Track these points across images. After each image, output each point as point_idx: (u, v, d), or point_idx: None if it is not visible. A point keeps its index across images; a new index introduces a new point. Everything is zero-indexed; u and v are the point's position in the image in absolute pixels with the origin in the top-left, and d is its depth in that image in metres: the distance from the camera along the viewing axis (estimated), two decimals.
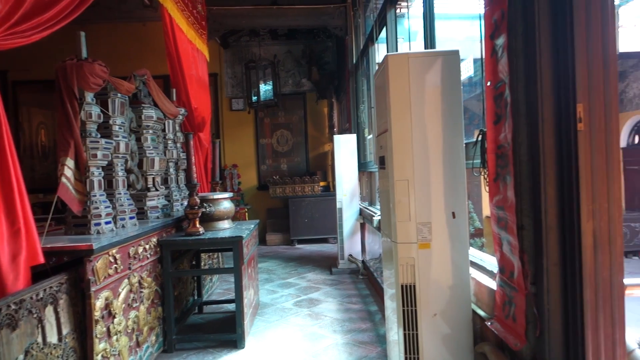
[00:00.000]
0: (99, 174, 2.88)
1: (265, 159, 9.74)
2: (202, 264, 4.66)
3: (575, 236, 1.45)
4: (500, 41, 1.74)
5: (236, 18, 7.33)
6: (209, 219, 3.80)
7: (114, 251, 2.64)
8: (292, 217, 8.51)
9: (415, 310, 2.25)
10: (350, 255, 6.14)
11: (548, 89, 1.53)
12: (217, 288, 5.40)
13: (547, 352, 1.58)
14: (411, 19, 4.44)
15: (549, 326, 1.57)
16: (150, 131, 3.75)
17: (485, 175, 2.01)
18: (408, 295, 2.26)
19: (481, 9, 1.97)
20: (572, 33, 1.42)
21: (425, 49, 3.20)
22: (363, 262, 6.09)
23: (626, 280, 1.64)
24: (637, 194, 9.76)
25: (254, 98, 8.85)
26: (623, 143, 10.18)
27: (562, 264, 1.53)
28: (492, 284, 2.13)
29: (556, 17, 1.50)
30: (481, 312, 2.23)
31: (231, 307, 4.35)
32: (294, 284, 5.54)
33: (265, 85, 8.79)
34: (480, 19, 2.18)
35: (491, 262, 2.36)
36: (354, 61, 7.15)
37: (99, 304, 2.44)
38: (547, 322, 1.57)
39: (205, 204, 3.74)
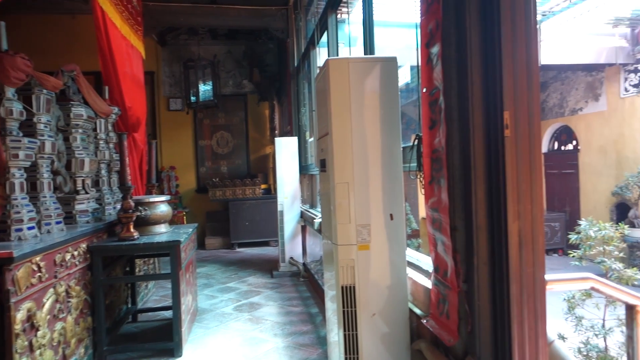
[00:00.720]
0: (21, 175, 2.67)
1: (204, 161, 9.50)
2: (137, 270, 4.46)
3: (502, 236, 1.54)
4: (435, 50, 1.81)
5: (174, 15, 7.10)
6: (144, 223, 3.65)
7: (37, 259, 2.46)
8: (233, 220, 8.37)
9: (355, 310, 2.28)
10: (292, 258, 6.13)
11: (478, 97, 1.61)
12: (153, 295, 5.19)
13: (477, 346, 1.66)
14: (352, 25, 4.53)
15: (479, 321, 1.65)
16: (80, 130, 3.54)
17: (421, 179, 2.09)
18: (348, 296, 2.29)
19: (418, 18, 2.05)
20: (499, 46, 1.51)
21: (364, 54, 3.27)
22: (304, 264, 6.11)
23: (547, 276, 1.76)
24: (556, 196, 10.56)
25: (193, 98, 8.62)
26: (544, 149, 10.97)
27: (491, 262, 1.62)
28: (428, 283, 2.21)
29: (486, 30, 1.58)
30: (417, 311, 2.31)
31: (168, 314, 4.19)
32: (234, 288, 5.45)
33: (204, 85, 8.58)
34: (416, 28, 2.27)
35: (427, 262, 2.45)
36: (296, 64, 7.17)
37: (19, 316, 2.26)
38: (477, 318, 1.65)
39: (140, 208, 3.59)
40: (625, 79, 8.45)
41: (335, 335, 2.49)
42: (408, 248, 3.06)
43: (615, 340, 3.17)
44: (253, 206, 8.50)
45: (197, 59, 8.60)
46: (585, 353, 3.20)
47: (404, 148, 2.43)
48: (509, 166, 1.50)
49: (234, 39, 9.23)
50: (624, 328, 2.25)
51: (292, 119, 7.35)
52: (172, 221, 4.35)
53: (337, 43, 4.61)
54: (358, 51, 4.11)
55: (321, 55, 5.63)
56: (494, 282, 1.63)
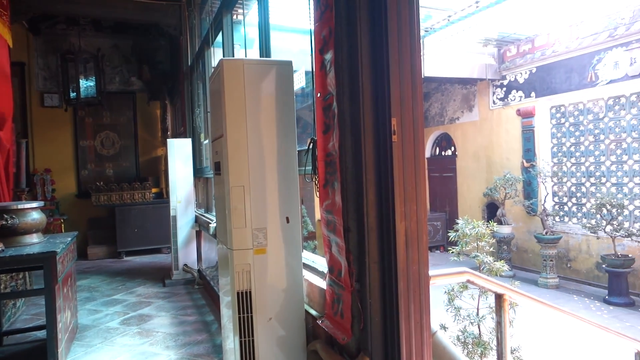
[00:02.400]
0: None
1: (87, 163, 8.72)
2: (2, 287, 3.92)
3: (391, 236, 1.62)
4: (329, 56, 1.86)
5: (49, 1, 6.42)
6: (11, 233, 3.22)
7: None
8: (120, 227, 7.78)
9: (252, 316, 2.25)
10: (186, 264, 5.88)
11: (369, 104, 1.69)
12: (23, 314, 4.61)
13: (369, 342, 1.73)
14: (248, 27, 4.48)
15: (371, 318, 1.72)
16: None
17: (316, 182, 2.13)
18: (244, 301, 2.25)
19: (312, 25, 2.09)
20: (387, 57, 1.60)
21: (260, 57, 3.26)
22: (199, 271, 5.89)
23: (430, 272, 1.90)
24: (438, 197, 11.52)
25: (73, 94, 7.83)
26: (427, 154, 11.92)
27: (381, 261, 1.70)
28: (323, 284, 2.26)
29: (375, 41, 1.67)
30: (313, 312, 2.34)
31: (42, 334, 3.75)
32: (121, 300, 5.06)
33: (86, 80, 7.86)
34: (311, 34, 2.31)
35: (322, 263, 2.50)
36: (189, 63, 6.91)
37: None
38: (369, 315, 1.72)
39: (5, 216, 3.16)
40: (494, 93, 9.52)
41: (231, 343, 2.43)
42: (304, 250, 3.10)
43: (488, 326, 3.54)
44: (143, 211, 7.99)
45: (78, 52, 7.85)
46: (463, 340, 3.52)
47: (299, 151, 2.46)
48: (396, 170, 1.59)
49: (122, 32, 8.62)
50: (494, 315, 2.52)
51: (186, 120, 7.05)
52: (47, 230, 3.91)
53: (232, 44, 4.53)
54: (254, 54, 4.09)
55: (216, 56, 5.49)
56: (384, 280, 1.72)
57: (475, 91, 9.99)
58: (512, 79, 9.06)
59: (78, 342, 3.78)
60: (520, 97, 8.89)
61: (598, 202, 6.95)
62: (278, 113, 2.32)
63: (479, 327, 3.51)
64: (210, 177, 5.72)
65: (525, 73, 8.76)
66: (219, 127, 2.40)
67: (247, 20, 4.78)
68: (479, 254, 3.63)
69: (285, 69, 2.35)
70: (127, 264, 7.37)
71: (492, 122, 9.59)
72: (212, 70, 2.55)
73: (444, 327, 3.51)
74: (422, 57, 8.31)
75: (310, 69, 2.42)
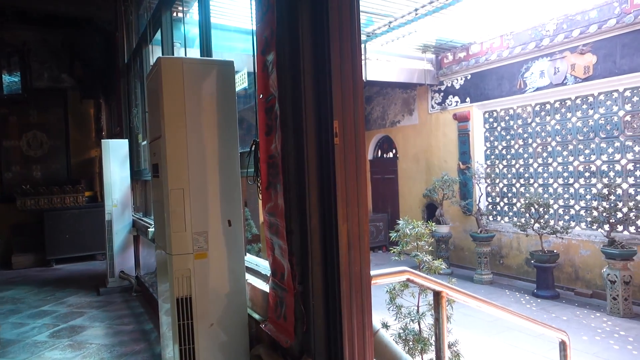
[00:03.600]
0: None
1: (11, 165, 8.09)
2: None
3: (333, 237, 1.63)
4: (271, 58, 1.85)
5: None
6: None
7: None
8: (49, 233, 7.30)
9: (192, 322, 2.18)
10: (122, 271, 5.61)
11: (311, 106, 1.69)
12: None
13: (312, 344, 1.73)
14: (189, 25, 4.37)
15: (314, 320, 1.72)
16: None
17: (259, 184, 2.10)
18: (184, 308, 2.18)
19: (254, 25, 2.07)
20: (329, 60, 1.61)
21: (201, 56, 3.18)
22: (137, 277, 5.64)
23: (372, 272, 1.94)
24: (380, 198, 11.80)
25: None
26: (370, 156, 12.18)
27: (324, 263, 1.71)
28: (267, 288, 2.24)
29: (317, 44, 1.67)
30: (256, 316, 2.31)
31: None
32: (50, 311, 4.74)
33: (10, 76, 7.31)
34: (253, 35, 2.29)
35: (266, 267, 2.47)
36: (126, 60, 6.62)
37: None
38: (312, 317, 1.73)
39: None
40: (432, 98, 9.90)
41: (171, 351, 2.34)
42: (248, 253, 3.06)
43: (428, 323, 3.66)
44: (75, 216, 7.54)
45: (0, 44, 7.27)
46: (404, 337, 3.61)
47: (242, 153, 2.43)
48: (338, 172, 1.60)
49: (51, 25, 8.09)
50: (433, 312, 2.61)
51: (123, 120, 6.75)
52: None
53: (172, 42, 4.39)
54: (195, 53, 3.99)
55: (155, 54, 5.30)
56: (327, 281, 1.72)
57: (415, 96, 10.34)
58: (449, 85, 9.46)
59: (1, 358, 3.49)
60: (457, 102, 9.30)
61: (527, 201, 7.41)
62: (219, 114, 2.27)
63: (419, 324, 3.62)
64: (149, 179, 5.50)
65: (461, 79, 9.18)
66: (157, 128, 2.31)
67: (188, 19, 4.66)
68: (418, 253, 3.75)
69: (226, 69, 2.31)
70: (58, 272, 6.92)
71: (430, 125, 9.96)
72: (150, 68, 2.45)
73: (386, 326, 3.59)
74: (364, 61, 8.48)
75: (252, 70, 2.39)
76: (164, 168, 2.20)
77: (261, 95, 1.98)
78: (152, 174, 2.55)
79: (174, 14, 4.62)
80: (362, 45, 8.39)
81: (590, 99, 7.23)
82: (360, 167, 1.68)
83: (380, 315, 3.73)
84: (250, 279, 2.49)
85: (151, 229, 4.39)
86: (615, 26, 6.60)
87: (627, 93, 6.76)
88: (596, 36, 6.86)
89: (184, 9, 4.59)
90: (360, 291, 1.70)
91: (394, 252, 3.91)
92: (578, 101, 7.42)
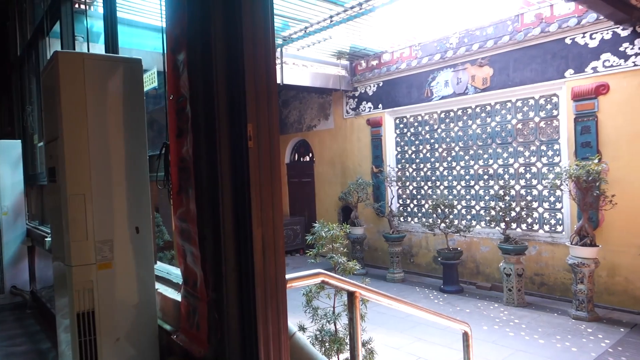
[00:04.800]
0: None
1: None
2: None
3: (248, 242, 1.61)
4: (182, 57, 1.78)
5: None
6: None
7: None
8: None
9: (95, 338, 2.03)
10: (15, 286, 5.07)
11: (224, 108, 1.65)
12: None
13: (227, 352, 1.69)
14: (94, 19, 4.08)
15: (228, 327, 1.68)
16: None
17: (170, 188, 2.01)
18: (86, 323, 2.01)
19: (164, 23, 1.98)
20: (243, 60, 1.59)
21: (106, 52, 2.98)
22: (32, 292, 5.13)
23: (287, 276, 1.94)
24: (297, 202, 11.89)
25: None
26: (287, 159, 12.22)
27: (238, 269, 1.68)
28: (179, 297, 2.14)
29: (230, 46, 1.64)
30: (168, 327, 2.21)
31: None
32: None
33: None
34: (163, 33, 2.19)
35: (178, 275, 2.37)
36: (19, 53, 6.01)
37: None
38: (226, 324, 1.68)
39: None
40: (347, 103, 10.19)
41: None
42: (159, 262, 2.91)
43: (343, 323, 3.74)
44: None
45: None
46: (320, 339, 3.66)
47: (151, 156, 2.31)
48: (253, 176, 1.58)
49: None
50: (347, 312, 2.67)
51: (15, 119, 6.11)
52: None
53: (73, 36, 4.06)
54: (101, 49, 3.72)
55: (53, 47, 4.87)
56: (241, 287, 1.69)
57: (330, 101, 10.57)
58: (363, 91, 9.81)
59: None
60: (370, 108, 9.66)
61: (434, 203, 7.90)
62: (127, 114, 2.14)
63: (335, 325, 3.69)
64: (45, 184, 5.03)
65: (374, 86, 9.56)
66: (54, 128, 2.12)
67: (92, 11, 4.35)
68: (334, 255, 3.83)
69: (134, 67, 2.18)
70: None
71: (346, 130, 10.24)
72: (46, 63, 2.25)
73: (302, 329, 3.61)
74: (280, 65, 8.50)
75: (163, 69, 2.29)
76: (62, 172, 2.02)
77: (172, 96, 1.89)
78: (48, 178, 2.33)
79: (75, 5, 4.28)
80: (279, 50, 8.41)
81: (488, 108, 7.90)
82: (275, 171, 1.68)
83: (297, 319, 3.75)
84: (161, 288, 2.37)
85: (48, 239, 4.02)
86: (509, 42, 7.27)
87: (519, 103, 7.49)
88: (493, 50, 7.52)
89: (87, 0, 4.28)
90: (275, 296, 1.69)
91: (310, 254, 3.95)
92: (478, 110, 8.06)
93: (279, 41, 8.26)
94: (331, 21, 7.33)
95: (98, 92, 2.07)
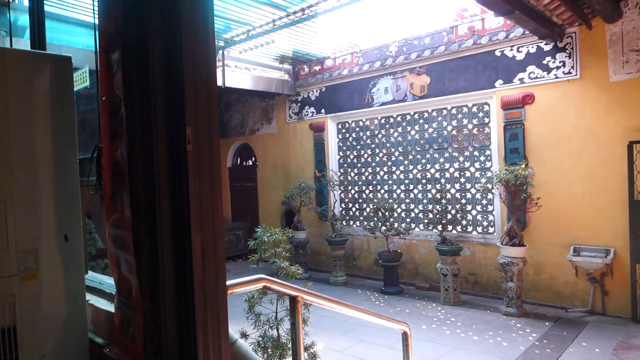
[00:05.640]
0: None
1: None
2: None
3: (186, 249, 1.56)
4: (116, 56, 1.70)
5: None
6: None
7: None
8: None
9: (17, 356, 1.88)
10: None
11: (161, 110, 1.60)
12: None
13: None
14: (18, 12, 3.80)
15: (166, 338, 1.62)
16: None
17: (102, 194, 1.91)
18: (6, 340, 1.86)
19: (97, 19, 1.88)
20: (181, 61, 1.55)
21: (32, 49, 2.79)
22: None
23: (228, 282, 1.90)
24: (240, 207, 11.71)
25: None
26: (229, 164, 12.02)
27: (177, 276, 1.62)
28: (112, 308, 2.04)
29: (168, 47, 1.59)
30: (99, 340, 2.09)
31: None
32: None
33: None
34: (95, 30, 2.08)
35: (111, 284, 2.25)
36: None
37: None
38: (164, 335, 1.62)
39: None
40: (290, 108, 10.20)
41: None
42: (91, 271, 2.75)
43: (286, 328, 3.72)
44: None
45: None
46: (263, 345, 3.62)
47: (82, 160, 2.18)
48: (192, 180, 1.54)
49: None
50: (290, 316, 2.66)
51: None
52: None
53: None
54: (26, 45, 3.48)
55: None
56: (180, 295, 1.64)
57: (273, 105, 10.54)
58: (306, 96, 9.87)
59: None
60: (313, 112, 9.74)
61: (375, 206, 8.08)
62: (55, 115, 2.01)
63: (277, 330, 3.66)
64: None
65: (317, 91, 9.65)
66: None
67: (16, 4, 4.06)
68: (276, 260, 3.81)
69: (63, 65, 2.06)
70: None
71: (289, 134, 10.25)
72: None
73: (245, 335, 3.55)
74: (222, 68, 8.37)
75: (95, 68, 2.17)
76: None
77: (104, 97, 1.80)
78: None
79: None
80: (220, 52, 8.28)
81: (426, 114, 8.22)
82: (215, 175, 1.64)
83: (239, 325, 3.69)
84: (92, 299, 2.24)
85: None
86: (444, 52, 7.62)
87: (454, 111, 7.85)
88: (430, 60, 7.84)
89: None
90: (215, 303, 1.65)
91: (252, 260, 3.90)
92: (416, 116, 8.36)
93: (220, 43, 8.13)
94: (274, 25, 7.32)
95: (22, 90, 1.93)
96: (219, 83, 8.36)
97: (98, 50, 1.90)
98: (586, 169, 6.34)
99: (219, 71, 8.40)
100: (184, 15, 1.56)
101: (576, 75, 6.39)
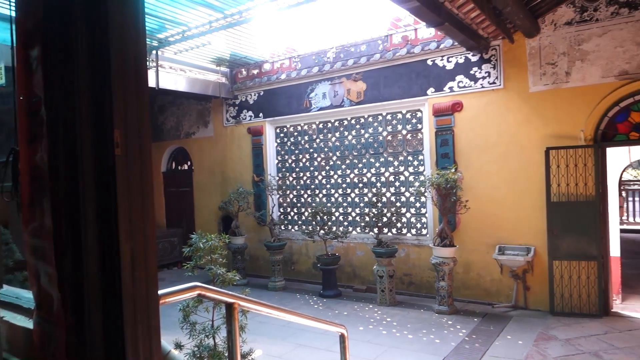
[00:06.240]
0: None
1: None
2: None
3: (114, 258, 1.48)
4: (36, 53, 1.59)
5: None
6: None
7: None
8: None
9: None
10: None
11: (87, 112, 1.51)
12: None
13: None
14: None
15: (92, 353, 1.53)
16: None
17: (20, 201, 1.77)
18: None
19: (14, 12, 1.74)
20: (109, 62, 1.47)
21: None
22: None
23: (161, 291, 1.83)
24: (175, 213, 11.32)
25: None
26: (163, 168, 11.58)
27: (103, 287, 1.53)
28: (31, 324, 1.89)
29: (94, 42, 1.51)
30: None
31: None
32: None
33: None
34: (12, 23, 1.93)
35: (30, 299, 2.09)
36: None
37: None
38: (89, 350, 1.52)
39: None
40: (227, 111, 10.03)
41: None
42: (7, 285, 2.53)
43: (223, 337, 3.64)
44: None
45: None
46: (199, 354, 3.51)
47: None
48: (120, 185, 1.47)
49: None
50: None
51: None
52: None
53: None
54: None
55: None
56: (108, 307, 1.55)
57: (210, 108, 10.31)
58: (244, 99, 9.75)
59: None
60: (251, 116, 9.64)
61: (313, 210, 8.14)
62: None
63: (214, 339, 3.57)
64: None
65: (255, 95, 9.57)
66: None
67: None
68: (212, 267, 3.71)
69: None
70: None
71: (226, 138, 10.07)
72: None
73: (179, 346, 3.43)
74: (156, 68, 8.07)
75: (12, 65, 2.01)
76: None
77: (22, 96, 1.67)
78: None
79: None
80: (154, 52, 7.98)
81: (362, 120, 8.41)
82: (147, 180, 1.57)
83: (174, 336, 3.56)
84: (7, 316, 2.06)
85: None
86: (379, 60, 7.85)
87: (389, 117, 8.10)
88: (366, 67, 8.04)
89: None
90: (147, 314, 1.58)
91: (186, 267, 3.78)
92: (353, 121, 8.53)
93: (154, 43, 7.84)
94: (210, 27, 7.18)
95: None
96: (153, 84, 8.05)
97: (15, 45, 1.76)
98: (509, 173, 6.78)
99: (152, 72, 8.09)
100: (112, 10, 1.48)
101: (500, 85, 6.83)
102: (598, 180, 6.14)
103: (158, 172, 11.36)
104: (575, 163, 6.22)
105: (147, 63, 8.26)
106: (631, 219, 13.83)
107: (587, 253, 6.15)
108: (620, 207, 10.45)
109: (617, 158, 7.03)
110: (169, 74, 8.70)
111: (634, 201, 14.10)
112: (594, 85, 6.16)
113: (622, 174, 7.72)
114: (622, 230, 7.29)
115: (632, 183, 14.85)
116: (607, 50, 6.05)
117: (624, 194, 13.31)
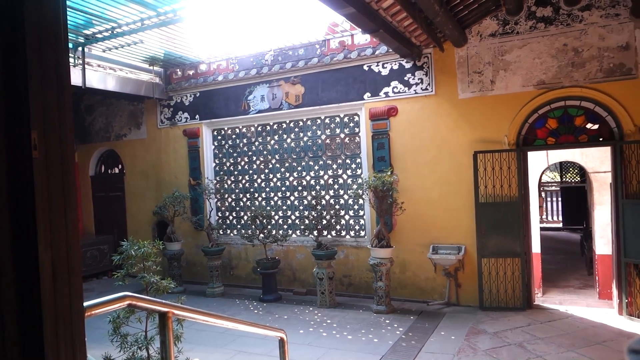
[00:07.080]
0: None
1: None
2: None
3: (33, 268, 1.37)
4: None
5: None
6: None
7: None
8: None
9: None
10: None
11: (2, 114, 1.39)
12: None
13: None
14: None
15: None
16: None
17: None
18: None
19: None
20: (25, 58, 1.36)
21: None
22: None
23: (87, 303, 1.72)
24: (105, 219, 10.72)
25: None
26: (92, 172, 10.94)
27: (20, 300, 1.41)
28: None
29: (7, 36, 1.39)
30: None
31: None
32: None
33: None
34: None
35: None
36: None
37: None
38: None
39: None
40: (161, 112, 9.67)
41: None
42: None
43: (157, 347, 3.48)
44: None
45: None
46: None
47: None
48: (39, 191, 1.36)
49: None
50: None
51: None
52: None
53: None
54: None
55: None
56: (25, 322, 1.43)
57: (143, 109, 9.89)
58: (179, 101, 9.45)
59: None
60: (187, 118, 9.37)
61: (252, 214, 8.04)
62: None
63: (147, 351, 3.41)
64: None
65: (191, 96, 9.31)
66: None
67: None
68: (145, 275, 3.55)
69: None
70: None
71: (160, 140, 9.70)
72: None
73: (109, 359, 3.24)
74: (82, 65, 7.62)
75: None
76: None
77: None
78: None
79: None
80: (80, 49, 7.54)
81: (301, 123, 8.44)
82: (69, 184, 1.47)
83: (104, 349, 3.36)
84: None
85: None
86: (318, 64, 7.92)
87: (327, 120, 8.19)
88: (304, 70, 8.08)
89: None
90: (70, 327, 1.48)
91: (117, 276, 3.59)
92: (292, 125, 8.54)
93: (80, 39, 7.40)
94: (142, 24, 6.89)
95: None
96: (79, 82, 7.59)
97: None
98: (441, 175, 7.09)
99: (77, 69, 7.63)
100: (28, 1, 1.38)
101: (432, 91, 7.13)
102: (521, 182, 6.58)
103: (86, 176, 10.71)
104: (501, 166, 6.62)
105: (72, 60, 7.78)
106: (549, 218, 14.98)
107: (511, 250, 6.57)
108: (540, 207, 11.26)
109: (537, 161, 7.57)
110: (97, 72, 8.25)
111: (552, 201, 15.29)
112: (515, 93, 6.60)
113: (541, 176, 8.33)
114: (541, 229, 7.85)
115: (550, 185, 16.10)
116: (526, 61, 6.52)
117: (543, 194, 14.36)
